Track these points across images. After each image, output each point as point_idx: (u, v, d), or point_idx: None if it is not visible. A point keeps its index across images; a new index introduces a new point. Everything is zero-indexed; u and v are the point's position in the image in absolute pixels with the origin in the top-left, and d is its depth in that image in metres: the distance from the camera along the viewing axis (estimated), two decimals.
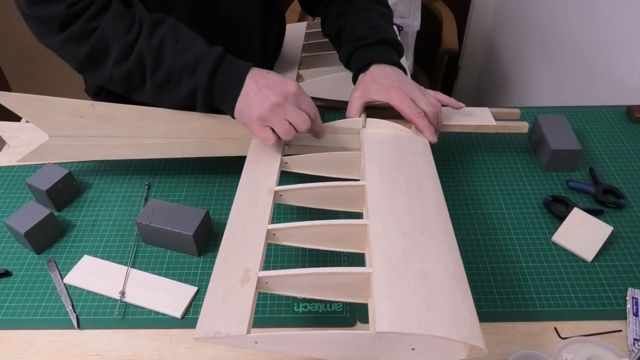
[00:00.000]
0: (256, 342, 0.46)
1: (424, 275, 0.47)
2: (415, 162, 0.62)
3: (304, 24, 1.11)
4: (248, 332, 0.45)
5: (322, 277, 0.49)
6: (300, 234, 0.55)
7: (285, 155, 0.67)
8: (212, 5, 0.78)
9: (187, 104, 0.67)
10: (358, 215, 0.57)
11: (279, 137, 0.64)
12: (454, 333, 0.43)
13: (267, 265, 0.67)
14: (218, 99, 0.66)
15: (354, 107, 0.71)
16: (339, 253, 0.68)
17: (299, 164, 0.67)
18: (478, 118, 0.76)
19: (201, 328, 0.46)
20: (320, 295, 0.51)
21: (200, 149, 0.73)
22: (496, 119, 0.76)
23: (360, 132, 0.68)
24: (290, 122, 0.62)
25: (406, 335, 0.43)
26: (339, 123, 0.70)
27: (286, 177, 0.77)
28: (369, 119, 0.69)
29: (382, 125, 0.69)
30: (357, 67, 0.76)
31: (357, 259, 0.67)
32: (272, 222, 0.56)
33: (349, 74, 0.80)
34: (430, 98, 0.71)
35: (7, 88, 1.97)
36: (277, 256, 0.68)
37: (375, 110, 0.72)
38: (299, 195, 0.61)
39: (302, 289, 0.51)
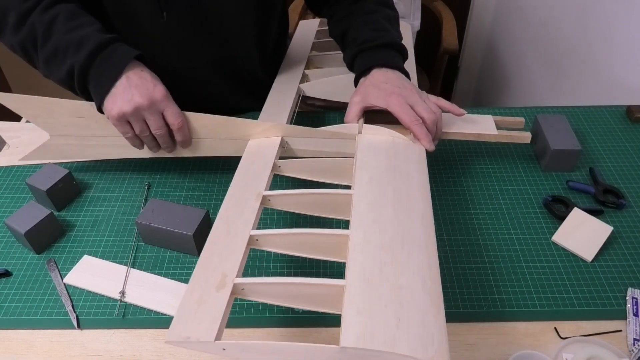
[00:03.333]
0: (224, 349, 0.46)
1: (397, 291, 0.47)
2: (407, 170, 0.62)
3: (316, 21, 1.10)
4: (217, 338, 0.45)
5: (297, 287, 0.49)
6: (283, 242, 0.55)
7: (279, 159, 0.66)
8: (204, 6, 0.77)
9: (69, 84, 0.67)
10: (346, 223, 0.57)
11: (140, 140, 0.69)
12: (419, 351, 0.42)
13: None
14: (92, 84, 0.65)
15: (352, 111, 0.71)
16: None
17: (292, 168, 0.66)
18: (480, 126, 0.76)
19: (173, 331, 0.46)
20: (296, 304, 0.51)
21: (198, 149, 0.73)
22: (499, 128, 0.76)
23: (355, 138, 0.68)
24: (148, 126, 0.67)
25: (370, 351, 0.43)
26: (336, 128, 0.70)
27: (280, 180, 0.77)
28: (365, 125, 0.69)
29: (379, 131, 0.68)
30: (359, 70, 0.76)
31: None
32: (259, 228, 0.56)
33: (353, 76, 0.79)
34: (431, 104, 0.70)
35: (7, 88, 1.97)
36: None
37: (375, 115, 0.71)
38: (287, 201, 0.61)
39: (277, 298, 0.50)
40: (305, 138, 0.70)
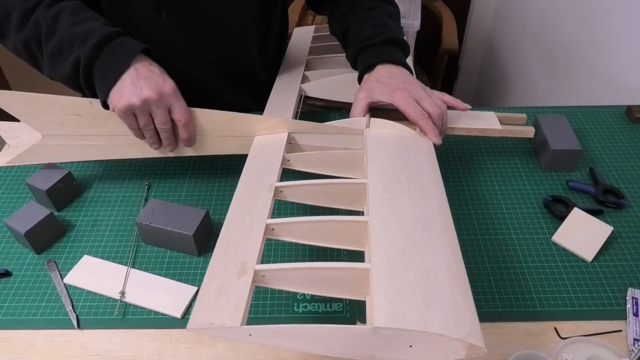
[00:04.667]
0: (250, 335, 0.45)
1: (424, 273, 0.47)
2: (419, 162, 0.62)
3: (311, 28, 1.11)
4: (242, 323, 0.45)
5: (321, 272, 0.48)
6: (300, 230, 0.55)
7: (287, 153, 0.66)
8: (203, 5, 0.77)
9: (74, 79, 0.66)
10: (359, 214, 0.56)
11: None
12: (453, 331, 0.42)
13: (267, 261, 0.67)
14: (98, 76, 0.64)
15: (358, 107, 0.71)
16: (339, 251, 0.68)
17: (301, 161, 0.66)
18: (484, 122, 0.76)
19: (195, 319, 0.46)
20: (318, 290, 0.50)
21: (202, 146, 0.72)
22: (502, 124, 0.76)
23: (363, 132, 0.68)
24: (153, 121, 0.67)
25: (403, 331, 0.42)
26: (343, 123, 0.70)
27: (289, 176, 0.77)
28: (373, 119, 0.69)
29: (386, 125, 0.68)
30: (362, 67, 0.76)
31: (357, 257, 0.67)
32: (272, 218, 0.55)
33: (354, 75, 0.79)
34: (436, 99, 0.70)
35: (7, 88, 1.97)
36: (278, 252, 0.69)
37: (381, 111, 0.71)
38: (300, 191, 0.60)
39: (299, 284, 0.50)
40: (312, 134, 0.70)
